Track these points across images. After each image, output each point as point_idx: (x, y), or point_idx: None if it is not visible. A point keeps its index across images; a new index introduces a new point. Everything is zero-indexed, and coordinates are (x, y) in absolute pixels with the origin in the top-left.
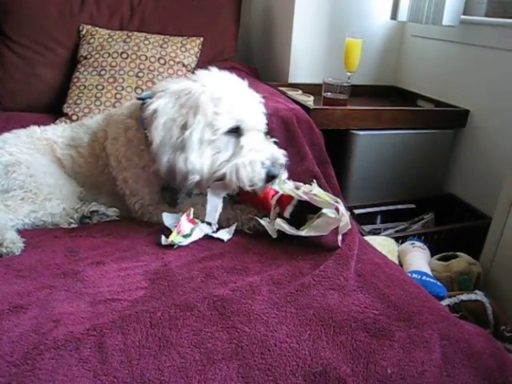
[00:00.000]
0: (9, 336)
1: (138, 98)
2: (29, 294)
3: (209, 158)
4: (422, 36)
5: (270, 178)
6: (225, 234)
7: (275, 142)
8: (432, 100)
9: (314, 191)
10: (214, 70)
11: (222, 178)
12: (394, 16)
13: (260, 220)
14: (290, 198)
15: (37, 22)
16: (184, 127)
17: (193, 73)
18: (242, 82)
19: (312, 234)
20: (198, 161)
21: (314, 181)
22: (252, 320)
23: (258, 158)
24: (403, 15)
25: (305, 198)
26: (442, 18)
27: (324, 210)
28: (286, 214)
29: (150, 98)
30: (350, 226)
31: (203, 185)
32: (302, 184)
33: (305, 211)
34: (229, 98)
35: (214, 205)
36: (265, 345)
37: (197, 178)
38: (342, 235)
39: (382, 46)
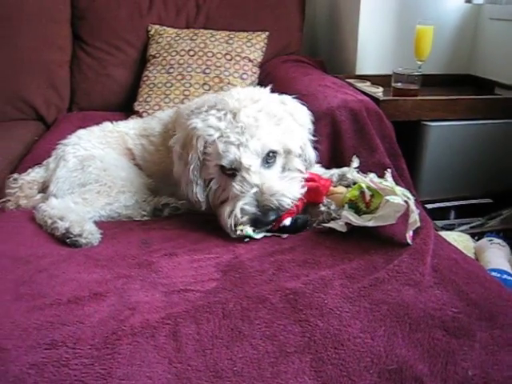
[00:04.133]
0: (90, 321)
1: None
2: (107, 282)
3: (212, 193)
4: (501, 18)
5: (259, 224)
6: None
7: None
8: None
9: (381, 181)
10: (233, 92)
11: None
12: None
13: (325, 225)
14: (294, 210)
15: (108, 25)
16: (187, 163)
17: (260, 67)
18: (262, 103)
19: (380, 223)
20: (201, 195)
21: (388, 171)
22: (325, 314)
23: (239, 205)
24: None
25: (372, 185)
26: None
27: (387, 197)
28: (286, 222)
29: None
30: (418, 224)
31: None
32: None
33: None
34: (219, 138)
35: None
36: (338, 339)
37: (203, 207)
38: (414, 231)
39: (456, 32)
